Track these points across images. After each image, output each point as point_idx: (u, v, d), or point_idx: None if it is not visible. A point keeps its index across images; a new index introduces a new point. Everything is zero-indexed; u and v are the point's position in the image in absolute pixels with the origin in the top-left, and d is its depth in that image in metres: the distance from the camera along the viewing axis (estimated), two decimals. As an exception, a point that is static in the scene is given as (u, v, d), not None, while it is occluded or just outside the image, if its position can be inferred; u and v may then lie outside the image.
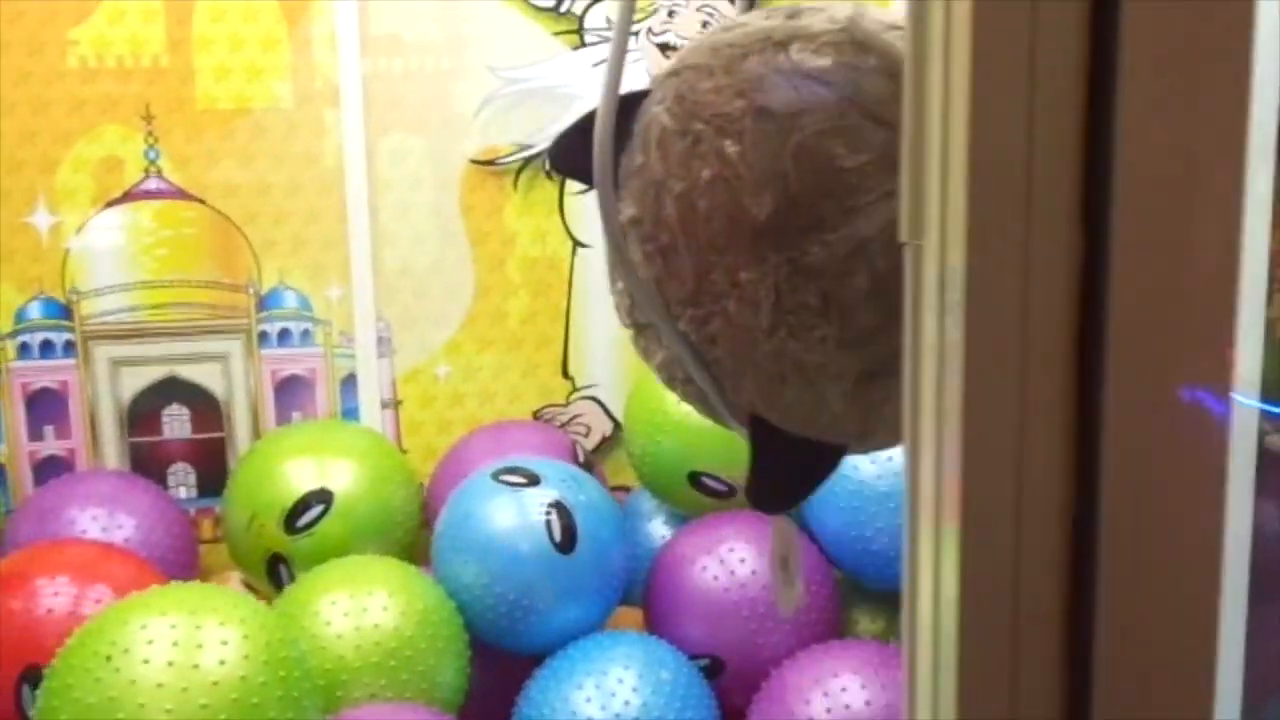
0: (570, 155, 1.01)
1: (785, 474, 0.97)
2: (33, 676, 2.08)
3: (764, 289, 0.85)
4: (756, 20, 0.93)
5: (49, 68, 2.56)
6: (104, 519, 2.48)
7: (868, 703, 2.09)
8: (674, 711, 2.13)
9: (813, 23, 0.89)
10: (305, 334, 2.75)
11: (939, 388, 0.63)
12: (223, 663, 1.61)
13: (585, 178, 0.96)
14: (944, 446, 0.63)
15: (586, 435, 2.86)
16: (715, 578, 2.30)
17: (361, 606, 2.11)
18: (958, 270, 0.61)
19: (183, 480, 2.75)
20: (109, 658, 1.60)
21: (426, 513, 2.63)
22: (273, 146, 2.67)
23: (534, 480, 2.26)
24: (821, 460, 0.94)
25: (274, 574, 2.45)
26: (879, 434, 0.92)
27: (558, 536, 2.19)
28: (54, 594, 2.16)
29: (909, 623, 0.69)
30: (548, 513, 2.21)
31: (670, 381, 0.99)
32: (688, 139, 0.87)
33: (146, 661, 1.60)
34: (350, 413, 2.78)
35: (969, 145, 0.59)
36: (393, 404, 2.81)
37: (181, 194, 2.66)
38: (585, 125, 0.96)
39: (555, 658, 2.21)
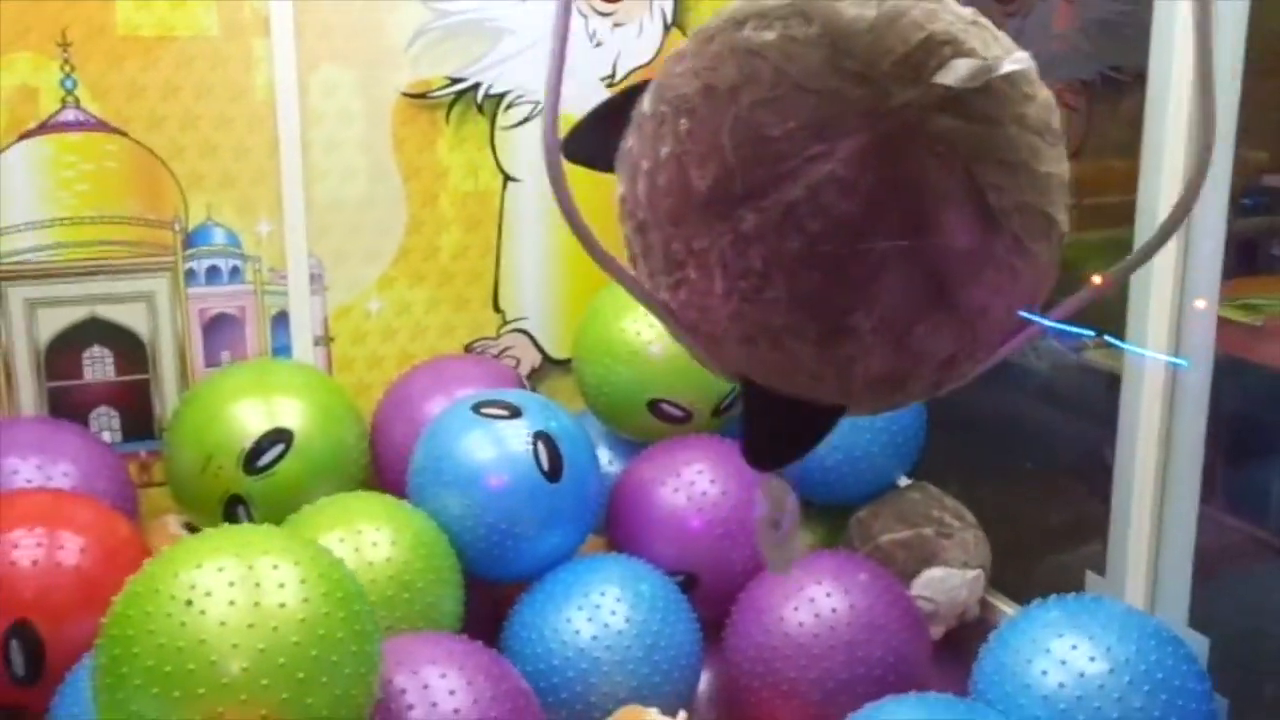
0: (585, 143, 1.04)
1: (777, 433, 1.02)
2: (21, 631, 2.03)
3: (714, 256, 0.91)
4: (740, 2, 0.97)
5: (-47, -11, 2.40)
6: (41, 467, 2.38)
7: (834, 610, 2.24)
8: (656, 624, 2.24)
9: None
10: (235, 271, 2.69)
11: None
12: (282, 605, 1.62)
13: (601, 165, 1.00)
14: None
15: (517, 367, 2.91)
16: (685, 499, 2.41)
17: (359, 543, 2.12)
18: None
19: (106, 424, 2.66)
20: (168, 611, 1.58)
21: (374, 448, 2.64)
22: (199, 77, 2.58)
23: (515, 412, 2.30)
24: (815, 420, 0.99)
25: (232, 515, 2.42)
26: (863, 397, 0.96)
27: (545, 465, 2.25)
28: (25, 546, 2.09)
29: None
30: (532, 442, 2.27)
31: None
32: (656, 119, 0.93)
33: (203, 612, 1.59)
34: (281, 350, 2.74)
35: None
36: (324, 340, 2.78)
37: (102, 126, 2.54)
38: (601, 112, 1.02)
39: (543, 582, 2.28)
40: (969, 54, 0.87)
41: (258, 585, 1.61)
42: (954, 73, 0.85)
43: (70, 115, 2.52)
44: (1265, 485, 2.07)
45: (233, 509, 2.43)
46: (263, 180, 2.65)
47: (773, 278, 0.89)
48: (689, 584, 2.38)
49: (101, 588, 2.08)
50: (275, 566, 1.64)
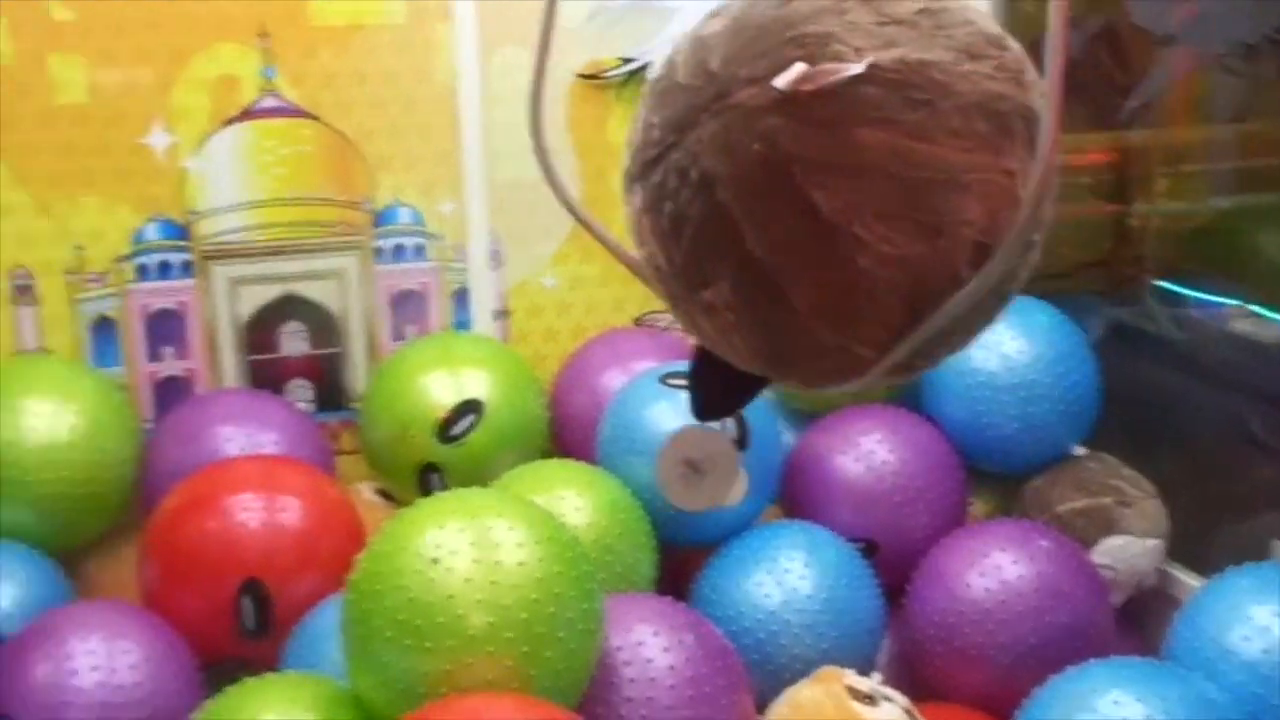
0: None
1: (718, 390, 1.17)
2: (251, 588, 2.17)
3: (631, 224, 1.04)
4: None
5: (164, -15, 2.53)
6: (251, 435, 2.52)
7: (1020, 576, 2.28)
8: (841, 589, 2.31)
9: None
10: (419, 249, 2.80)
11: None
12: (521, 564, 1.71)
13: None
14: None
15: (686, 339, 2.98)
16: (864, 468, 2.47)
17: (561, 508, 2.21)
18: None
19: (300, 396, 2.79)
20: (416, 568, 1.69)
21: (553, 418, 2.74)
22: (386, 63, 2.69)
23: (702, 383, 2.38)
24: (748, 382, 1.09)
25: (425, 483, 2.54)
26: (765, 369, 1.02)
27: (734, 433, 2.32)
28: (252, 509, 2.23)
29: None
30: (720, 412, 2.34)
31: None
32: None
33: (450, 569, 1.69)
34: (462, 325, 2.85)
35: None
36: (503, 315, 2.88)
37: (298, 112, 2.66)
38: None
39: (729, 547, 2.36)
40: (836, 56, 0.89)
41: (497, 545, 1.71)
42: (785, 76, 0.88)
43: (269, 102, 2.65)
44: None
45: (426, 477, 2.55)
46: (445, 161, 2.76)
47: (652, 248, 1.00)
48: (868, 551, 2.44)
49: (319, 547, 2.23)
50: (510, 529, 1.74)
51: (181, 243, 2.65)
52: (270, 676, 1.89)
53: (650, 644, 1.92)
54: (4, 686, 2.01)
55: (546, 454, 2.65)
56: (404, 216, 2.78)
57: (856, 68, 0.88)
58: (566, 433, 2.71)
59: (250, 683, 1.85)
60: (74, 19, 2.50)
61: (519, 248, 2.85)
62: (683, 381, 2.38)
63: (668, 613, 2.01)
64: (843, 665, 2.21)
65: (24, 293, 2.58)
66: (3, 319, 2.56)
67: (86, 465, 2.39)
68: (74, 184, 2.56)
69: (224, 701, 1.82)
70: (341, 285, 2.77)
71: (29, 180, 2.53)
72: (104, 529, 2.49)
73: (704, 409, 1.24)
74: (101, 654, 2.02)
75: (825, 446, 2.53)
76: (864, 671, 2.16)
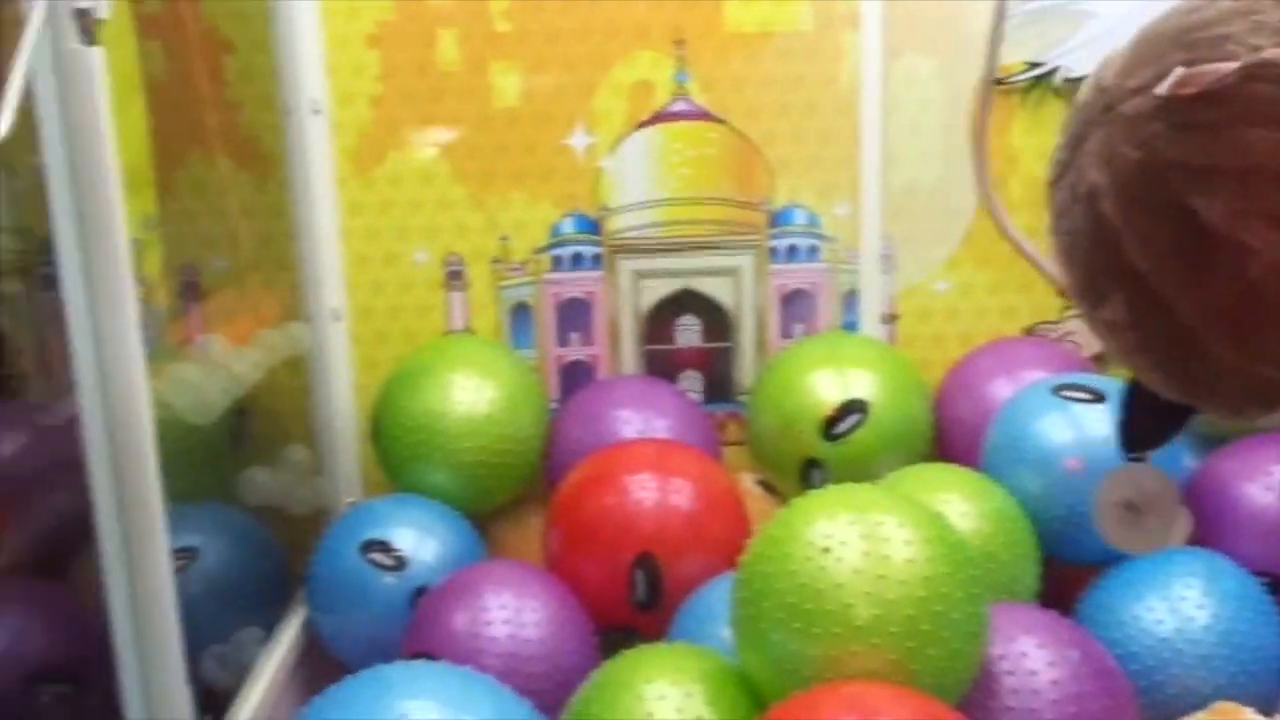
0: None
1: (1149, 423, 1.15)
2: (645, 562, 2.31)
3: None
4: None
5: (594, -5, 2.74)
6: (643, 421, 2.68)
7: None
8: (1243, 624, 2.18)
9: None
10: (812, 250, 2.87)
11: None
12: (909, 561, 1.75)
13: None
14: None
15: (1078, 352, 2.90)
16: (1274, 498, 2.32)
17: (946, 512, 2.21)
18: None
19: (691, 386, 2.93)
20: (807, 555, 1.76)
21: (937, 423, 2.74)
22: (793, 69, 2.78)
23: (1099, 397, 2.32)
24: (1178, 413, 1.06)
25: (807, 478, 2.61)
26: (1195, 396, 0.97)
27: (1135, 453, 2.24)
28: (648, 489, 2.37)
29: None
30: (1118, 429, 2.27)
31: None
32: None
33: (840, 560, 1.74)
34: (849, 326, 2.90)
35: None
36: (891, 318, 2.91)
37: (706, 115, 2.80)
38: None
39: (1120, 568, 2.28)
40: (1229, 57, 0.85)
41: (886, 540, 1.75)
42: (1166, 81, 0.86)
43: (680, 106, 2.80)
44: None
45: (809, 472, 2.62)
46: (843, 165, 2.82)
47: (1060, 268, 1.01)
48: (1274, 586, 2.29)
49: (708, 529, 2.35)
50: (900, 526, 1.78)
51: (593, 237, 2.85)
52: (661, 646, 2.02)
53: (1034, 656, 1.90)
54: (426, 631, 2.25)
55: (927, 458, 2.65)
56: (799, 218, 2.86)
57: (1232, 65, 0.85)
58: (950, 438, 2.70)
59: (643, 649, 1.98)
60: (512, 30, 2.75)
61: (911, 252, 2.86)
62: (1078, 394, 2.34)
63: (1054, 626, 1.98)
64: (1239, 703, 2.10)
65: (456, 278, 2.86)
66: (437, 301, 2.85)
67: (502, 437, 2.62)
68: (504, 181, 2.81)
69: (619, 664, 1.95)
70: (736, 282, 2.89)
71: (466, 177, 2.80)
72: (513, 496, 2.73)
73: (1131, 441, 1.22)
74: (512, 609, 2.22)
75: (1231, 473, 2.40)
76: (1265, 712, 2.04)
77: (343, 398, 2.79)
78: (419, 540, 2.47)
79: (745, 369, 2.92)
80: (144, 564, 1.72)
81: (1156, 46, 0.92)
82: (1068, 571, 2.40)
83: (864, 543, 1.76)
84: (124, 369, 1.66)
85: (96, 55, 1.57)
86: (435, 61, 2.74)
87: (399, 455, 2.64)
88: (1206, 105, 0.85)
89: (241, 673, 2.31)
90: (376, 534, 2.47)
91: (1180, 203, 0.86)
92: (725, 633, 2.05)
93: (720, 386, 2.94)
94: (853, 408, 2.59)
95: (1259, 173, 0.84)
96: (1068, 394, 2.34)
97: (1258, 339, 0.88)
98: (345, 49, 2.72)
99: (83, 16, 1.55)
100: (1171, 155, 0.87)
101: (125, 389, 1.66)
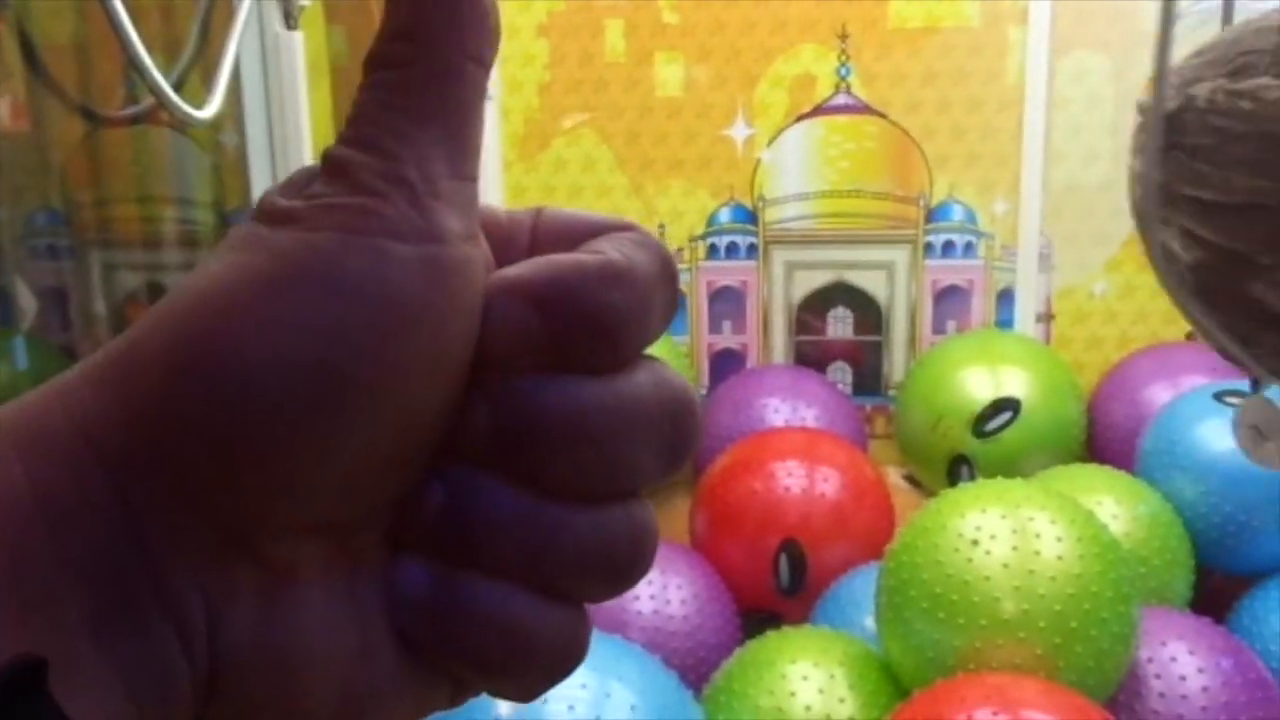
0: None
1: None
2: (789, 548, 2.35)
3: None
4: None
5: (756, -11, 2.77)
6: (791, 409, 2.71)
7: None
8: None
9: None
10: (968, 246, 2.86)
11: None
12: (1059, 558, 1.75)
13: None
14: None
15: (1241, 360, 2.83)
16: None
17: (1091, 514, 2.20)
18: None
19: (840, 378, 2.95)
20: (955, 547, 1.77)
21: (1090, 425, 2.71)
22: (957, 64, 2.77)
23: (1263, 405, 2.26)
24: None
25: (955, 474, 2.61)
26: None
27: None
28: (795, 475, 2.41)
29: None
30: (1282, 438, 2.22)
31: None
32: None
33: (988, 553, 1.76)
34: (1004, 324, 2.88)
35: None
36: (1046, 318, 2.88)
37: (866, 109, 2.81)
38: None
39: (1275, 579, 2.23)
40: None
41: (1037, 536, 1.76)
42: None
43: (841, 100, 2.82)
44: None
45: (957, 468, 2.62)
46: (1004, 162, 2.80)
47: None
48: None
49: (853, 518, 2.37)
50: (1052, 522, 1.78)
51: (749, 226, 2.89)
52: (805, 629, 2.05)
53: (1184, 662, 1.88)
54: (575, 600, 2.32)
55: (1079, 459, 2.63)
56: (957, 214, 2.85)
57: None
58: (1103, 441, 2.67)
59: (787, 631, 2.02)
60: (678, 21, 2.80)
61: (1070, 252, 2.83)
62: (1240, 400, 2.29)
63: (1206, 633, 1.95)
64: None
65: (613, 262, 2.92)
66: (594, 284, 2.93)
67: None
68: (663, 169, 2.87)
69: (763, 643, 1.99)
70: (890, 276, 2.90)
71: (627, 164, 2.87)
72: (660, 477, 2.79)
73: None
74: (658, 585, 2.28)
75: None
76: None
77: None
78: (569, 515, 2.55)
79: (895, 363, 2.93)
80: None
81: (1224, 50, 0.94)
82: (1222, 580, 2.35)
83: (1014, 537, 1.76)
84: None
85: (297, 39, 1.67)
86: (602, 51, 2.81)
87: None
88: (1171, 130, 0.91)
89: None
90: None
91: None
92: (868, 621, 2.07)
93: (869, 379, 2.96)
94: (1004, 405, 2.58)
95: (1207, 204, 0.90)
96: (1230, 400, 2.29)
97: None
98: (517, 38, 2.81)
99: (286, 2, 1.65)
100: (1157, 174, 0.93)
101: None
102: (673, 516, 2.72)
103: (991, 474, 2.49)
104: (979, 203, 2.84)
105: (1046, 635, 1.71)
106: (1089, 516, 1.85)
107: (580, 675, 1.80)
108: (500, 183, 2.86)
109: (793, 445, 2.48)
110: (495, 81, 2.81)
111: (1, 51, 2.36)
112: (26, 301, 2.46)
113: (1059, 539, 1.76)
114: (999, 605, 1.73)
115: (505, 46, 2.80)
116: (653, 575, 2.27)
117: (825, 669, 1.89)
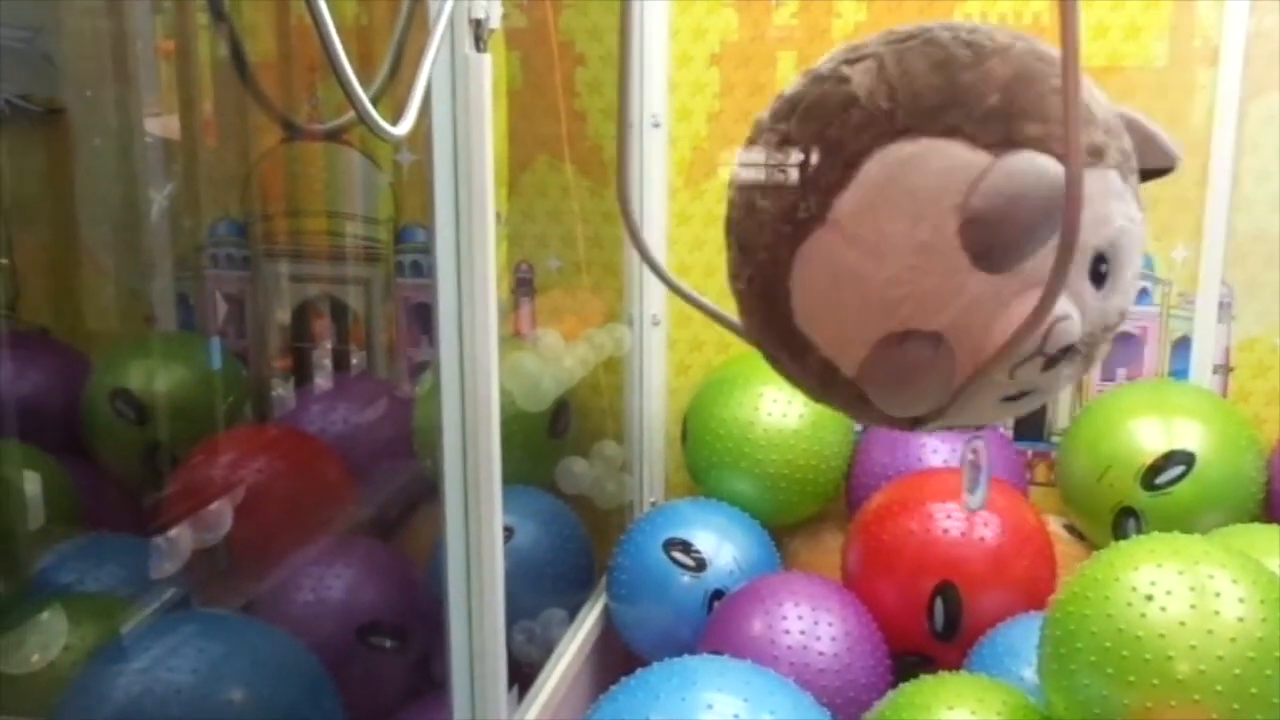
0: None
1: None
2: (945, 591, 2.30)
3: None
4: None
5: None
6: (947, 449, 2.65)
7: None
8: None
9: None
10: (1144, 292, 2.77)
11: None
12: (1240, 620, 1.67)
13: None
14: None
15: None
16: None
17: (1275, 576, 2.10)
18: None
19: (1001, 422, 2.88)
20: (1128, 601, 1.70)
21: (1269, 483, 2.58)
22: (1140, 105, 2.66)
23: None
24: None
25: (1121, 526, 2.51)
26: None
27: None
28: (948, 518, 2.35)
29: None
30: None
31: None
32: None
33: (1163, 609, 1.68)
34: (1178, 374, 2.77)
35: None
36: (1224, 370, 2.77)
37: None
38: None
39: None
40: None
41: (1218, 595, 1.68)
42: None
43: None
44: None
45: (1123, 521, 2.52)
46: (1185, 208, 2.70)
47: None
48: None
49: (1012, 565, 2.32)
50: (1234, 582, 1.70)
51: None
52: (962, 675, 2.00)
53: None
54: (724, 631, 2.31)
55: (1255, 519, 2.51)
56: (1133, 259, 2.76)
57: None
58: (1283, 502, 2.55)
59: (945, 676, 1.97)
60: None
61: (1252, 302, 2.72)
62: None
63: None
64: None
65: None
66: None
67: (808, 452, 2.65)
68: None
69: (919, 687, 1.95)
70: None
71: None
72: (812, 512, 2.76)
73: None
74: (808, 620, 2.25)
75: None
76: None
77: (656, 400, 2.90)
78: (718, 544, 2.54)
79: (1060, 409, 2.85)
80: (480, 534, 1.85)
81: None
82: None
83: (1192, 595, 1.69)
84: (480, 351, 1.79)
85: (486, 61, 1.71)
86: (773, 81, 2.81)
87: (705, 460, 2.71)
88: None
89: (545, 650, 2.44)
90: (679, 534, 2.55)
91: None
92: (1027, 672, 2.01)
93: (1032, 424, 2.87)
94: (1177, 458, 2.48)
95: None
96: None
97: None
98: (689, 67, 2.83)
99: (478, 25, 1.69)
100: None
101: (479, 370, 1.80)
102: (821, 552, 2.69)
103: (1160, 529, 2.40)
104: (1156, 248, 2.74)
105: (1224, 699, 1.63)
106: (1272, 578, 1.76)
107: (733, 704, 1.79)
108: (665, 209, 2.88)
109: (951, 487, 2.42)
110: (664, 109, 2.83)
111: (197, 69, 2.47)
112: (214, 307, 2.57)
113: (1241, 600, 1.68)
114: (1173, 664, 1.65)
115: (676, 74, 2.83)
116: (804, 610, 2.25)
117: (983, 718, 1.84)
